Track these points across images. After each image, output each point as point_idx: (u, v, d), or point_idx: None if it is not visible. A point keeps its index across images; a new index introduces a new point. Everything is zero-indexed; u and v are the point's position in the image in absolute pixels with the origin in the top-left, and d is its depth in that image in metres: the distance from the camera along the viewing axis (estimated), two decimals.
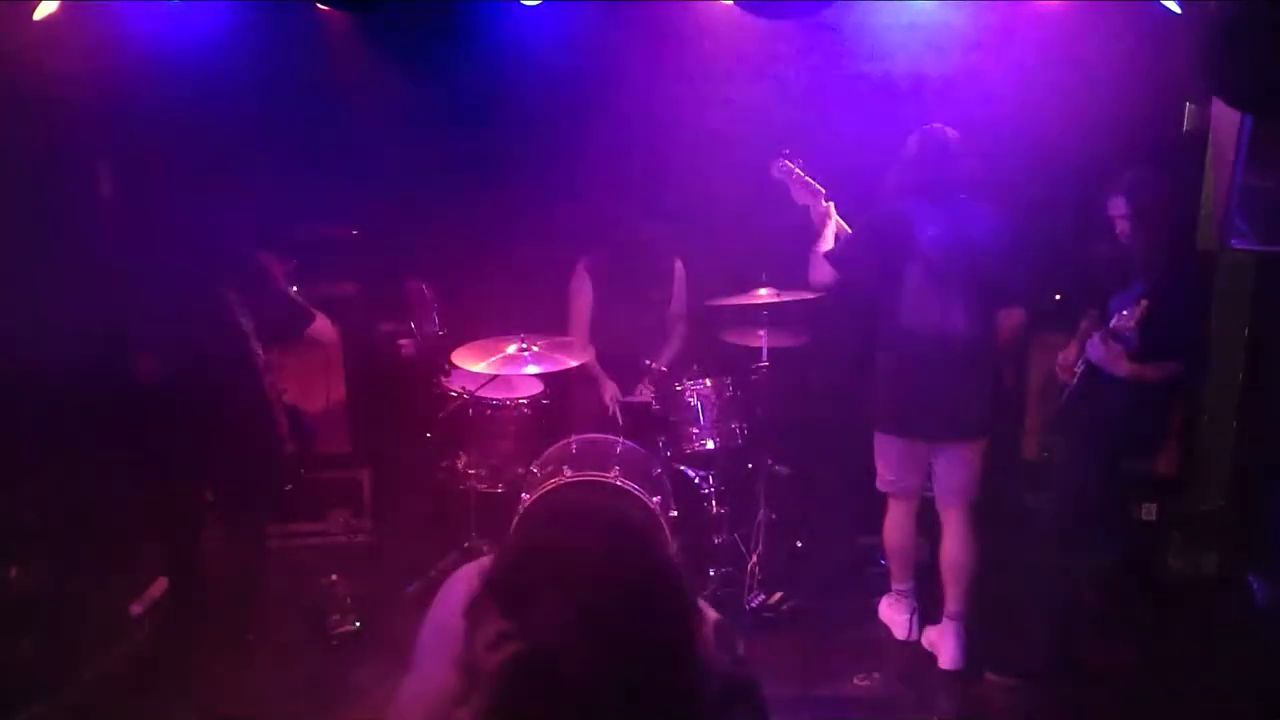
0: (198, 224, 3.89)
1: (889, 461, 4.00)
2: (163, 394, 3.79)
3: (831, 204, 4.05)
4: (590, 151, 4.78)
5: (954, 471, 3.94)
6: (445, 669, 1.59)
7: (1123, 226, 3.71)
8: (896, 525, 4.09)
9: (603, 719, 1.37)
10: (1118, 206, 3.72)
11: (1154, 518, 4.78)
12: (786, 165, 4.07)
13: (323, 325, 4.20)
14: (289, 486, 4.22)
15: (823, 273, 3.95)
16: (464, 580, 1.67)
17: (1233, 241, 3.77)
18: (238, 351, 3.82)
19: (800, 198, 4.09)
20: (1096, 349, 3.64)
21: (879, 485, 4.06)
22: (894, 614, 4.19)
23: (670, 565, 1.48)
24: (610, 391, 4.80)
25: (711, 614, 1.70)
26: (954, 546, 3.96)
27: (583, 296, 4.89)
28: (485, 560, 1.58)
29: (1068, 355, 3.86)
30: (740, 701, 1.67)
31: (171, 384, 3.78)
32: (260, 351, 3.89)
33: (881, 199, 3.83)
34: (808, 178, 4.06)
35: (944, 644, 3.95)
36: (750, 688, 1.72)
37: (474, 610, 1.44)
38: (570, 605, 1.38)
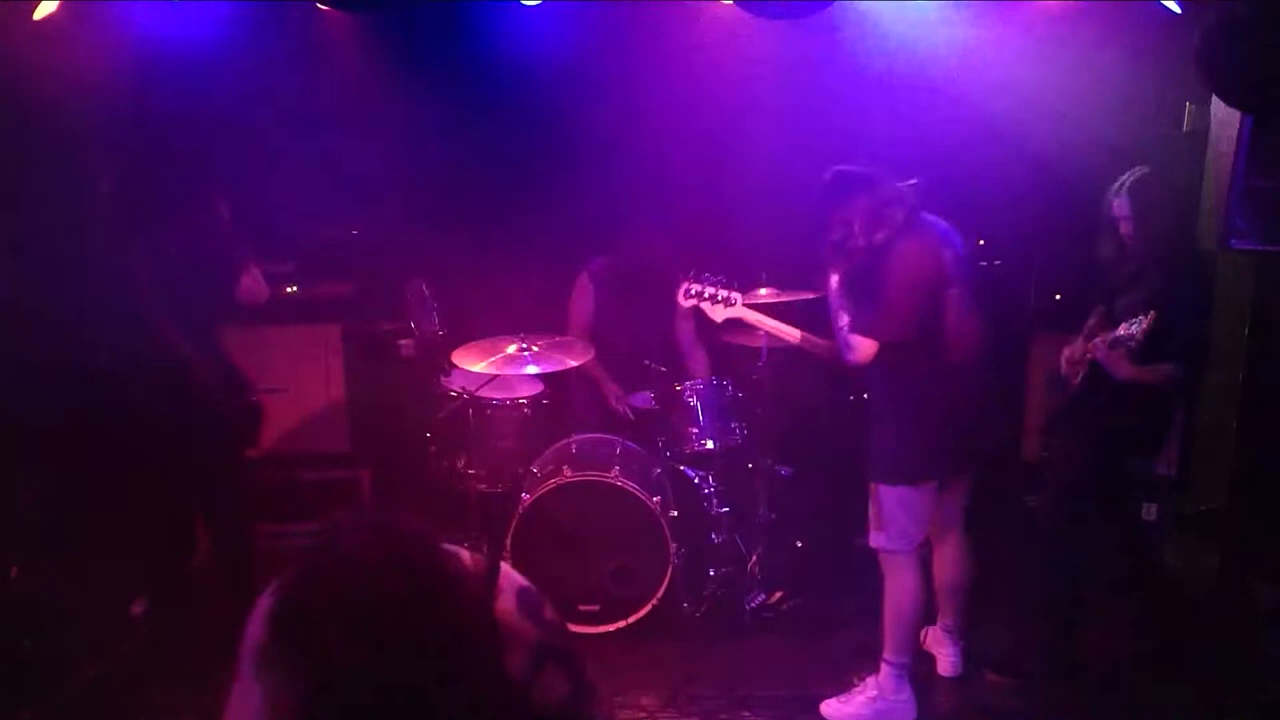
0: (195, 226, 3.91)
1: (917, 515, 3.56)
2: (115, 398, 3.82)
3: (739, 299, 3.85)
4: (591, 151, 4.79)
5: (960, 495, 3.75)
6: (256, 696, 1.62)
7: (1126, 227, 3.71)
8: (920, 580, 3.69)
9: None
10: (1121, 207, 3.71)
11: (1154, 518, 4.79)
12: (692, 289, 3.87)
13: (251, 283, 4.06)
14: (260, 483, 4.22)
15: (861, 350, 3.41)
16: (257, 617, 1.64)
17: (1233, 241, 3.77)
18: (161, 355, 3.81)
19: (718, 316, 3.87)
20: (1100, 351, 3.63)
21: (891, 544, 3.59)
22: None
23: (436, 566, 1.47)
24: (614, 392, 4.80)
25: (515, 582, 1.69)
26: (957, 569, 3.87)
27: (583, 305, 4.88)
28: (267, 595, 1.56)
29: (1074, 350, 3.85)
30: (548, 661, 1.65)
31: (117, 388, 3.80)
32: (186, 347, 3.85)
33: (884, 245, 3.40)
34: (717, 291, 3.85)
35: (944, 651, 3.94)
36: (556, 645, 1.69)
37: (262, 655, 1.46)
38: (347, 630, 1.37)
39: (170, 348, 3.84)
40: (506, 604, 1.63)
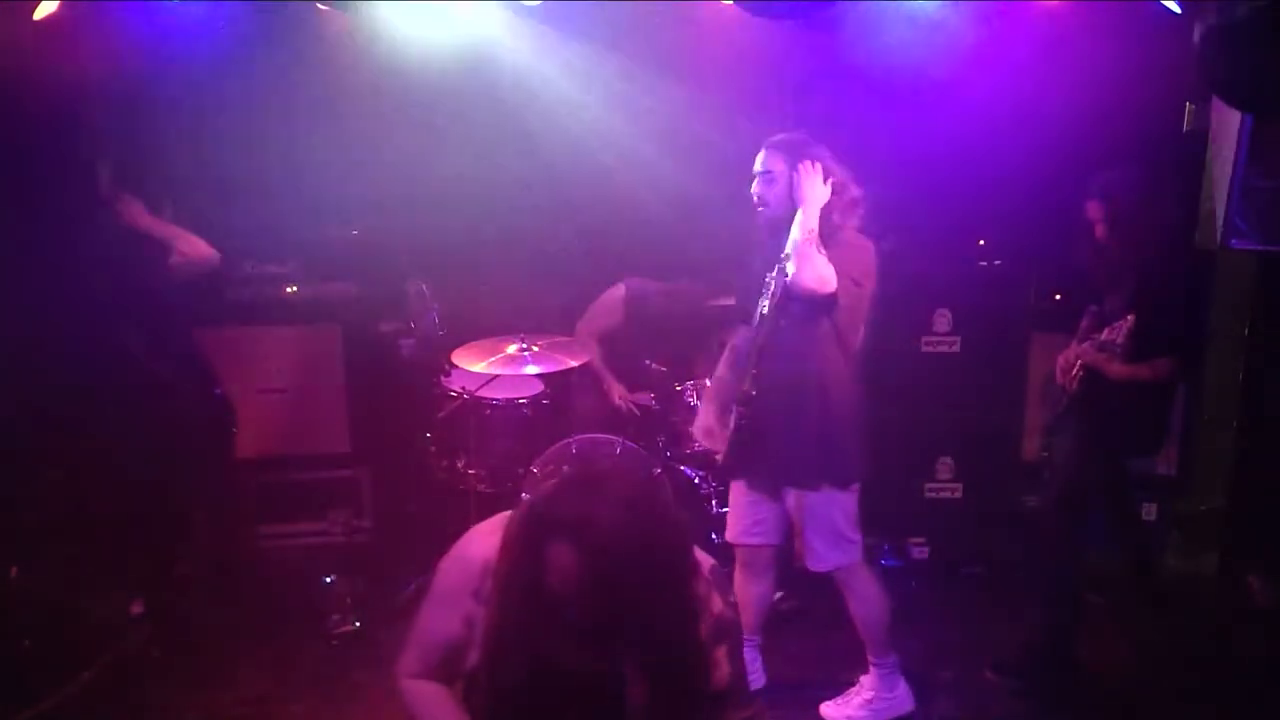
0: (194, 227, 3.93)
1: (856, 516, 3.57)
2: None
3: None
4: (591, 149, 4.79)
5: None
6: (457, 619, 1.80)
7: (1100, 229, 3.71)
8: (877, 577, 3.66)
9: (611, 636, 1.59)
10: (1093, 210, 3.72)
11: (1154, 518, 4.79)
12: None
13: (190, 247, 4.04)
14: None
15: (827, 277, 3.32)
16: (482, 537, 1.85)
17: (1233, 241, 3.77)
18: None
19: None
20: (1089, 355, 3.66)
21: (850, 557, 3.53)
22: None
23: (673, 526, 1.70)
24: (618, 392, 4.79)
25: (708, 561, 1.88)
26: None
27: (610, 317, 4.84)
28: (503, 519, 1.79)
29: (1067, 357, 3.86)
30: (725, 638, 1.84)
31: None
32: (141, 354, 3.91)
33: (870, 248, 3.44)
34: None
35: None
36: (732, 628, 1.90)
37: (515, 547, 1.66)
38: (585, 559, 1.54)
39: (123, 346, 3.86)
40: (703, 576, 1.82)
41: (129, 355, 3.93)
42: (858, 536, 3.54)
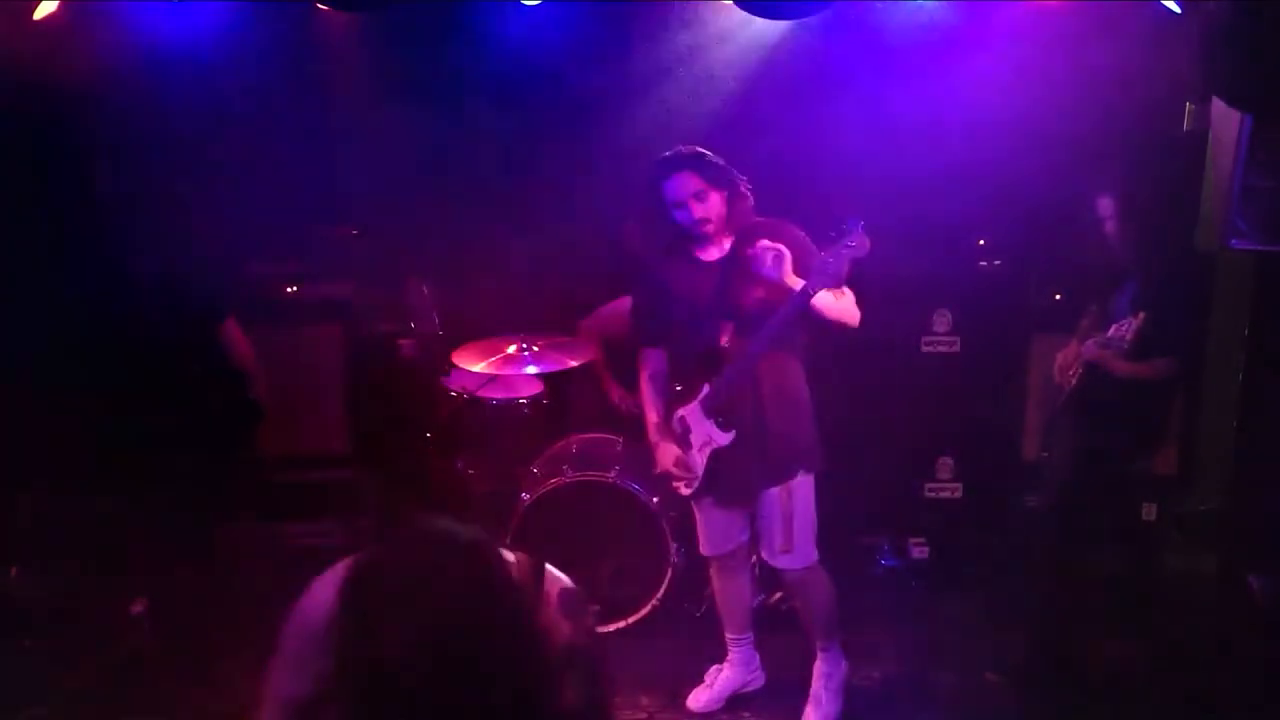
0: (195, 226, 3.93)
1: None
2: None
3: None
4: (592, 151, 4.79)
5: None
6: (306, 679, 1.76)
7: (1110, 226, 3.71)
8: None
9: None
10: (1105, 206, 3.72)
11: (1154, 518, 4.78)
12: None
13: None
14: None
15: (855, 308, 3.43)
16: (322, 590, 1.80)
17: (1233, 241, 3.76)
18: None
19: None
20: (1093, 352, 3.65)
21: (813, 555, 3.53)
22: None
23: (495, 574, 1.62)
24: (618, 392, 4.79)
25: (559, 582, 1.83)
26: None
27: (613, 323, 4.71)
28: (341, 570, 1.71)
29: (1066, 356, 3.86)
30: (572, 664, 1.77)
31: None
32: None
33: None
34: None
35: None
36: (583, 654, 1.81)
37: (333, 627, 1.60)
38: (409, 624, 1.51)
39: (167, 346, 3.86)
40: (549, 601, 1.77)
41: (145, 351, 3.93)
42: (815, 524, 3.55)
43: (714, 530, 3.66)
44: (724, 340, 3.40)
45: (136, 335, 3.91)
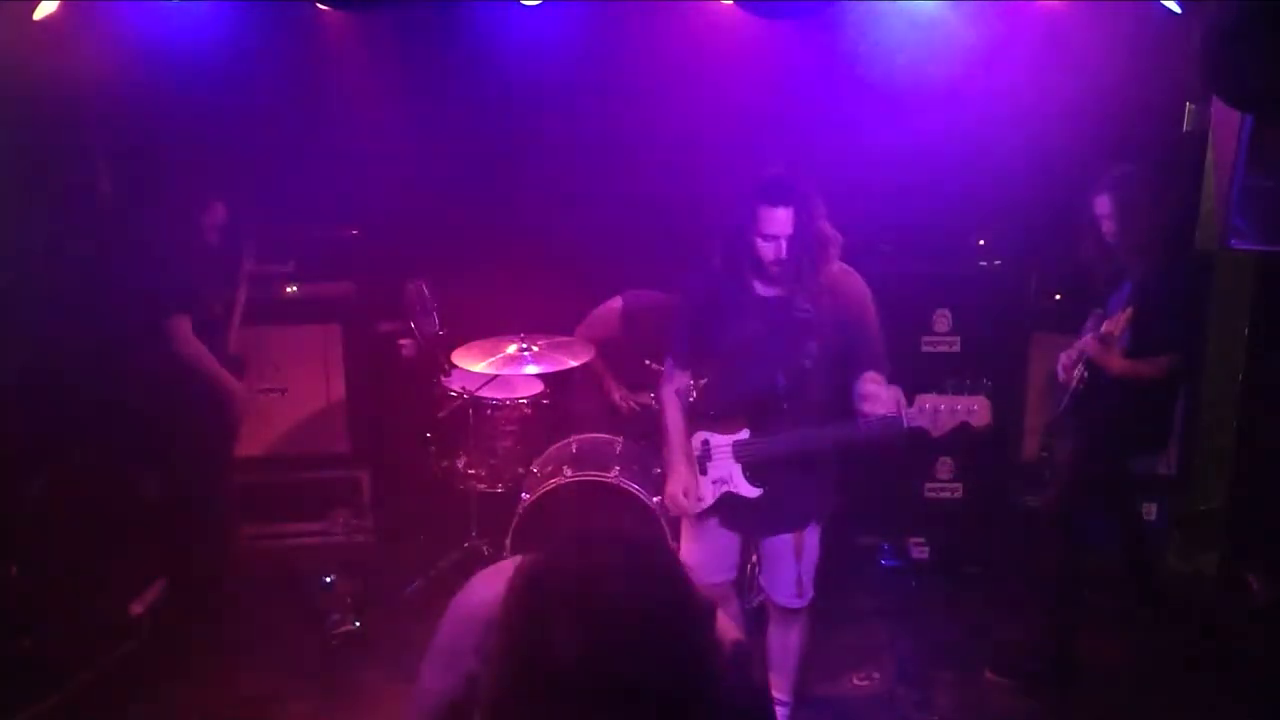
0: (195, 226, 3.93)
1: None
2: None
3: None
4: (591, 152, 4.79)
5: None
6: (458, 677, 1.69)
7: (1108, 225, 3.71)
8: None
9: None
10: (1102, 205, 3.72)
11: (1154, 518, 4.79)
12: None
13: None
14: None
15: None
16: (484, 588, 1.71)
17: (1233, 241, 3.76)
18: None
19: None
20: (1092, 347, 3.65)
21: (813, 594, 3.42)
22: None
23: (690, 601, 1.48)
24: (618, 392, 4.79)
25: (731, 634, 1.70)
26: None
27: (605, 327, 4.77)
28: (507, 568, 1.60)
29: (1069, 355, 3.86)
30: (734, 699, 1.64)
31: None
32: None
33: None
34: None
35: None
36: (753, 713, 1.72)
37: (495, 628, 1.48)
38: (586, 635, 1.39)
39: (167, 344, 3.86)
40: (722, 655, 1.62)
41: (133, 351, 3.93)
42: None
43: (703, 556, 3.37)
44: (779, 390, 3.16)
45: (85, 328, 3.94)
